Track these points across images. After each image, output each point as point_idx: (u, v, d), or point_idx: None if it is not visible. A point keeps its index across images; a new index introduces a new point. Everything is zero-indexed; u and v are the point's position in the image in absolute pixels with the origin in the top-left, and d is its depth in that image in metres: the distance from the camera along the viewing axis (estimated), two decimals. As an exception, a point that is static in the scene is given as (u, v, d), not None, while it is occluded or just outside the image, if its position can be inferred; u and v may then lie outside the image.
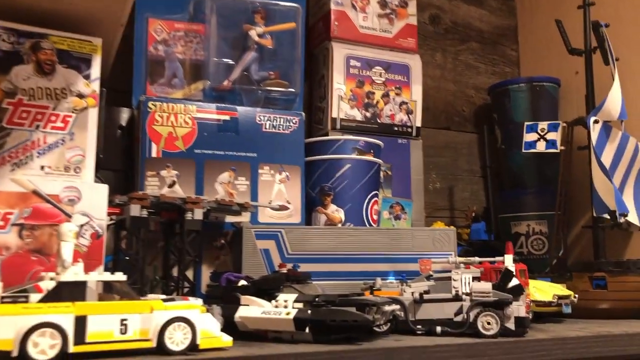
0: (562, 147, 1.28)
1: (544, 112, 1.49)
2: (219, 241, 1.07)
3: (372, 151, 1.20)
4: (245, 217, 1.06)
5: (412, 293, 0.88)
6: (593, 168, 1.14)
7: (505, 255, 0.91)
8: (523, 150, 1.32)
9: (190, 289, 0.93)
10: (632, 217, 1.18)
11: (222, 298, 0.85)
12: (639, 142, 1.25)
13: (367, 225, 1.16)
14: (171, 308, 0.66)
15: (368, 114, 1.38)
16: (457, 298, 0.86)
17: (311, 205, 1.16)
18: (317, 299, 0.79)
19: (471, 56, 1.73)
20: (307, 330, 0.76)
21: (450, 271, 0.98)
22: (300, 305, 0.78)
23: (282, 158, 1.14)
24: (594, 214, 1.18)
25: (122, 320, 0.63)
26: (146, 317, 0.64)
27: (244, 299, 0.82)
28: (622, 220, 1.12)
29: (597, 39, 1.27)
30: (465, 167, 1.65)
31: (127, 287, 0.67)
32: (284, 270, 0.84)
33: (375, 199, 1.19)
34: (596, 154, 1.12)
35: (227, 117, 1.11)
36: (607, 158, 1.14)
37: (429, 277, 0.97)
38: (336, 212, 1.14)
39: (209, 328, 0.68)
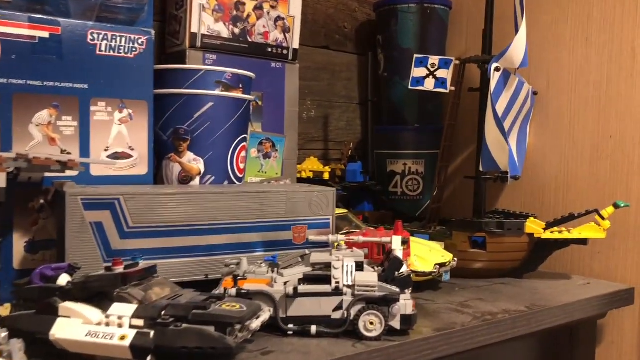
0: (452, 88, 1.15)
1: (432, 39, 1.35)
2: (36, 201, 0.82)
3: (241, 86, 0.97)
4: (71, 171, 0.82)
5: (285, 285, 0.73)
6: (487, 120, 1.02)
7: (394, 237, 0.78)
8: (410, 87, 1.17)
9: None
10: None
11: (35, 305, 0.63)
12: (531, 87, 1.15)
13: (233, 177, 0.97)
14: None
15: (236, 30, 1.14)
16: (337, 292, 0.72)
17: (162, 152, 0.93)
18: (163, 314, 0.60)
19: (357, -39, 1.50)
20: (149, 359, 0.58)
21: (327, 244, 0.84)
22: (140, 322, 0.59)
23: (122, 91, 0.88)
24: (481, 169, 1.09)
25: None
26: None
27: (64, 307, 0.62)
28: (511, 181, 1.03)
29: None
30: (342, 93, 1.48)
31: None
32: (119, 270, 0.64)
33: (244, 144, 0.99)
34: (493, 105, 1.00)
35: (45, 34, 0.81)
36: (501, 106, 1.03)
37: (303, 256, 0.82)
38: (194, 162, 0.93)
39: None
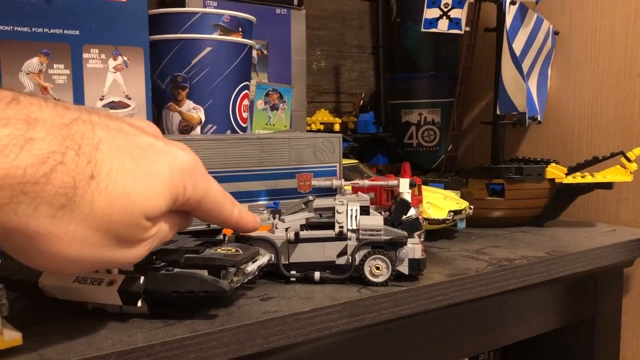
0: (467, 28, 1.08)
1: (447, -20, 1.27)
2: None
3: (240, 30, 0.93)
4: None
5: (286, 231, 0.69)
6: (504, 59, 0.96)
7: (401, 179, 0.73)
8: (422, 29, 1.10)
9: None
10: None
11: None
12: (551, 26, 1.08)
13: (236, 126, 0.93)
14: None
15: (237, -25, 1.08)
16: (340, 237, 0.68)
17: (161, 102, 0.90)
18: (154, 259, 0.57)
19: None
20: (139, 304, 0.55)
21: (333, 190, 0.80)
22: (129, 267, 0.57)
23: (116, 37, 0.84)
24: (497, 112, 1.03)
25: None
26: None
27: (53, 254, 0.59)
28: (529, 123, 0.97)
29: None
30: (354, 42, 1.42)
31: None
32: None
33: (246, 91, 0.95)
34: (509, 42, 0.94)
35: (30, -23, 0.78)
36: (518, 45, 0.96)
37: (307, 203, 0.78)
38: (194, 111, 0.89)
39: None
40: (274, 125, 1.16)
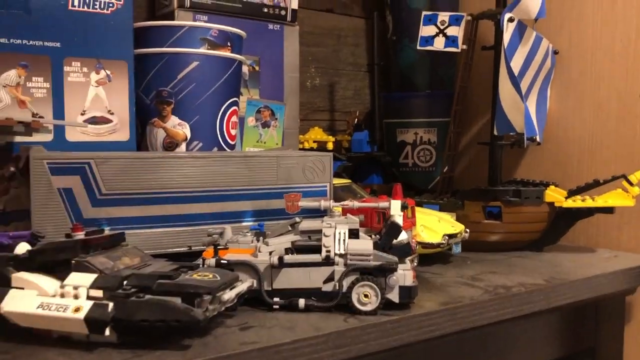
0: (464, 46, 1.06)
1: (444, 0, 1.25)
2: (6, 169, 0.76)
3: (229, 44, 0.90)
4: (43, 137, 0.76)
5: (270, 254, 0.65)
6: (501, 78, 0.93)
7: (392, 201, 0.70)
8: (418, 47, 1.08)
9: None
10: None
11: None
12: (551, 45, 1.05)
13: (223, 143, 0.90)
14: None
15: (229, -11, 1.06)
16: (327, 262, 0.64)
17: (145, 117, 0.86)
18: (124, 284, 0.53)
19: None
20: (107, 332, 0.51)
21: (321, 211, 0.77)
22: (98, 293, 0.53)
23: (100, 50, 0.81)
24: (496, 132, 0.99)
25: None
26: None
27: (17, 278, 0.55)
28: (528, 144, 0.94)
29: None
30: (349, 59, 1.39)
31: None
32: (79, 236, 0.57)
33: (234, 107, 0.92)
34: (507, 60, 0.91)
35: (10, -14, 0.75)
36: (517, 63, 0.93)
37: (293, 225, 0.74)
38: (179, 127, 0.86)
39: None
40: (265, 142, 1.13)
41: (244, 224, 0.78)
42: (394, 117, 1.28)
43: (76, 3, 0.79)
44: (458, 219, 0.97)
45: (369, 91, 1.41)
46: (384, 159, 1.22)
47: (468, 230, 0.92)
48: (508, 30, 0.91)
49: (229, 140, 0.91)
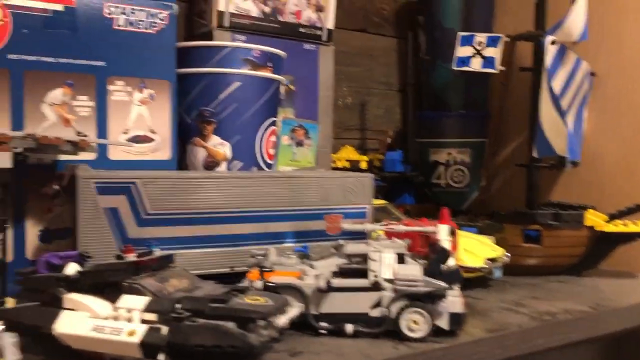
0: (502, 68, 1.05)
1: (478, 18, 1.24)
2: (50, 187, 0.76)
3: (270, 65, 0.90)
4: (87, 155, 0.76)
5: (317, 278, 0.65)
6: (542, 100, 0.92)
7: (440, 226, 0.69)
8: (454, 67, 1.07)
9: (-2, 268, 0.64)
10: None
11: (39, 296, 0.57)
12: (589, 68, 1.04)
13: (262, 163, 0.89)
14: None
15: (267, 9, 1.06)
16: (375, 287, 0.64)
17: (186, 136, 0.86)
18: (176, 307, 0.53)
19: (397, -60, 1.42)
20: (161, 357, 0.51)
21: (364, 234, 0.76)
22: (151, 316, 0.52)
23: (143, 69, 0.82)
24: (535, 154, 0.98)
25: None
26: None
27: (69, 299, 0.55)
28: (569, 167, 0.93)
29: None
30: (381, 79, 1.39)
31: None
32: (131, 258, 0.57)
33: (273, 127, 0.92)
34: (549, 83, 0.90)
35: (59, 7, 0.76)
36: (557, 85, 0.92)
37: (337, 248, 0.73)
38: (220, 147, 0.86)
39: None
40: (298, 161, 1.13)
41: (285, 245, 0.78)
42: (427, 136, 1.27)
43: (121, 22, 0.80)
44: (496, 242, 0.95)
45: (400, 110, 1.40)
46: (417, 179, 1.22)
47: (508, 254, 0.91)
48: (550, 53, 0.90)
49: (267, 160, 0.91)
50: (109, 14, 0.79)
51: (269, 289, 0.63)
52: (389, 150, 1.21)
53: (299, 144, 1.12)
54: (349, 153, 1.22)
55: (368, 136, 1.36)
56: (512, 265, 0.94)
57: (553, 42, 0.90)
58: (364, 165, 1.19)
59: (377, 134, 1.35)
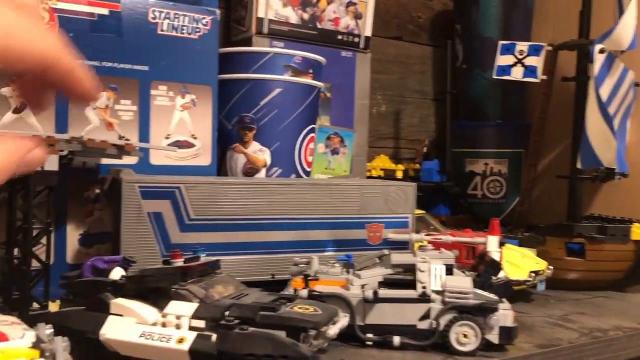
0: (544, 77, 1.03)
1: (517, 27, 1.23)
2: (92, 190, 0.76)
3: (311, 71, 0.89)
4: (129, 159, 0.75)
5: (363, 288, 0.63)
6: (589, 110, 0.90)
7: (490, 237, 0.67)
8: (495, 76, 1.06)
9: (42, 271, 0.63)
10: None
11: (85, 301, 0.56)
12: (634, 78, 1.02)
13: (301, 170, 0.88)
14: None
15: (305, 16, 1.06)
16: (423, 298, 0.62)
17: (226, 142, 0.86)
18: (227, 315, 0.52)
19: (432, -51, 1.41)
20: (210, 366, 0.50)
21: (407, 245, 0.74)
22: (200, 323, 0.51)
23: (185, 74, 0.81)
24: (579, 165, 0.96)
25: None
26: None
27: (116, 304, 0.54)
28: (618, 179, 0.90)
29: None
30: (415, 87, 1.38)
31: None
32: (178, 263, 0.56)
33: (312, 134, 0.91)
34: (597, 93, 0.87)
35: (104, 11, 0.76)
36: (604, 94, 0.90)
37: (381, 257, 0.72)
38: (259, 153, 0.85)
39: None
40: (333, 169, 1.11)
41: (326, 253, 0.77)
42: (463, 146, 1.25)
43: (165, 27, 0.80)
44: (538, 255, 0.93)
45: (434, 119, 1.38)
46: (452, 190, 1.20)
47: (551, 267, 0.88)
48: (598, 61, 0.88)
49: (306, 167, 0.90)
50: (154, 18, 0.79)
51: (314, 297, 0.62)
52: (425, 160, 1.20)
53: (334, 152, 1.11)
54: (383, 162, 1.20)
55: (402, 145, 1.34)
56: (554, 279, 0.92)
57: (602, 51, 0.88)
58: (399, 174, 1.18)
59: (411, 143, 1.33)
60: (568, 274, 0.94)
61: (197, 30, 0.82)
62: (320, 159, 1.10)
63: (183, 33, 0.81)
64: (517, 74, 1.03)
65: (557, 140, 1.16)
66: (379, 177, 1.18)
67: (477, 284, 0.62)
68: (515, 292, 0.85)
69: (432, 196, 1.18)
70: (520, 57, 1.04)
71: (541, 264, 0.87)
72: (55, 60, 0.31)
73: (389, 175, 1.18)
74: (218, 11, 0.84)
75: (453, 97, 1.23)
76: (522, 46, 1.04)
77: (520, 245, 0.95)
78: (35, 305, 0.63)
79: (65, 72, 0.32)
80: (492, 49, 1.08)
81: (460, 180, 1.24)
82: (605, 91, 0.88)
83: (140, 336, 0.51)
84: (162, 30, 0.80)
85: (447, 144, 1.20)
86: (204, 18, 0.82)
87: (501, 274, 0.64)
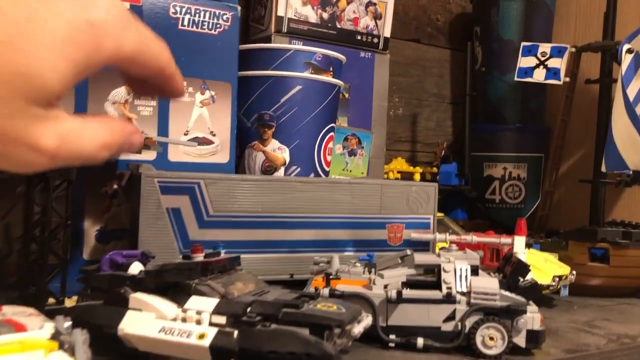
0: (567, 79, 1.01)
1: (538, 29, 1.21)
2: (109, 186, 0.75)
3: (331, 69, 0.88)
4: (147, 155, 0.74)
5: (386, 288, 0.61)
6: (616, 113, 0.88)
7: (516, 237, 0.65)
8: (516, 78, 1.04)
9: (60, 266, 0.62)
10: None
11: (104, 295, 0.55)
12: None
13: (320, 169, 0.87)
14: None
15: (325, 15, 1.05)
16: (448, 299, 0.60)
17: (244, 140, 0.85)
18: (248, 311, 0.50)
19: (451, -49, 1.40)
20: (231, 363, 0.48)
21: (429, 244, 0.73)
22: (221, 319, 0.50)
23: (205, 70, 0.80)
24: (604, 169, 0.94)
25: None
26: None
27: (135, 299, 0.53)
28: (644, 183, 0.88)
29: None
30: (433, 90, 1.36)
31: None
32: (199, 258, 0.55)
33: (332, 133, 0.90)
34: (625, 94, 0.86)
35: (126, 5, 0.75)
36: (630, 95, 0.88)
37: (403, 257, 0.70)
38: (279, 151, 0.84)
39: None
40: (350, 171, 1.10)
41: (347, 254, 0.75)
42: (481, 150, 1.23)
43: (186, 23, 0.79)
44: (560, 260, 0.91)
45: (452, 123, 1.37)
46: (470, 194, 1.18)
47: (574, 272, 0.86)
48: (626, 61, 0.87)
49: (325, 167, 0.89)
50: (175, 13, 0.78)
51: (335, 296, 0.60)
52: (443, 163, 1.18)
53: (352, 153, 1.09)
54: (401, 165, 1.19)
55: (418, 148, 1.33)
56: (576, 284, 0.89)
57: (630, 51, 0.86)
58: (417, 177, 1.16)
59: (428, 146, 1.32)
60: (591, 279, 0.92)
61: (218, 26, 0.81)
62: (338, 160, 1.09)
63: (204, 29, 0.80)
64: (539, 76, 1.02)
65: (577, 143, 1.15)
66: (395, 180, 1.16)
67: (503, 285, 0.60)
68: (541, 296, 0.84)
69: (450, 200, 1.16)
70: (542, 58, 1.02)
71: (565, 269, 0.85)
72: (167, 67, 0.38)
73: (406, 178, 1.16)
74: (238, 7, 0.83)
75: (472, 99, 1.21)
76: (545, 48, 1.02)
77: (542, 249, 0.93)
78: (51, 300, 0.62)
79: (170, 76, 0.39)
80: (511, 52, 1.07)
81: (478, 185, 1.23)
82: (632, 91, 0.86)
83: (160, 331, 0.50)
84: (182, 26, 0.79)
85: (466, 146, 1.18)
86: (224, 14, 0.82)
87: (528, 276, 0.62)
